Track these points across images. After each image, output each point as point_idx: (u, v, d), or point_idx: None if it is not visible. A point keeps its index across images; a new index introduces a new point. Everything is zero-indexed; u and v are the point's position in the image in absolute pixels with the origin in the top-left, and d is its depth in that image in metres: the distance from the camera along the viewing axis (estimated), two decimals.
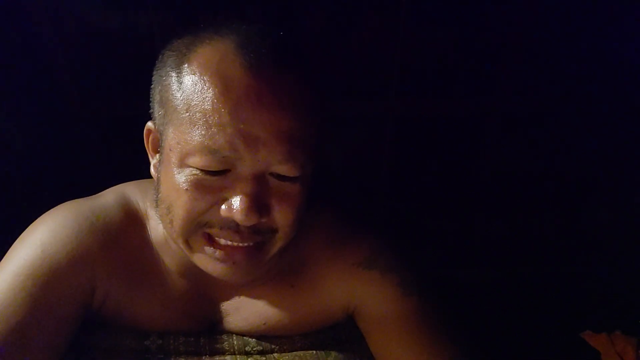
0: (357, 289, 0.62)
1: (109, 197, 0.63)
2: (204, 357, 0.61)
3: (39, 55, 1.08)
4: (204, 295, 0.64)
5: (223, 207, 0.49)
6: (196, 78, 0.48)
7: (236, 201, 0.49)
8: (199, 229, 0.52)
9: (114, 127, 1.18)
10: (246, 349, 0.62)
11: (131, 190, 0.65)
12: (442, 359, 0.55)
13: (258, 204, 0.49)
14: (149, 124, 0.57)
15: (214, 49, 0.49)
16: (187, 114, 0.48)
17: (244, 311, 0.63)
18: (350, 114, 1.23)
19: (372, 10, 1.11)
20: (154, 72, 0.54)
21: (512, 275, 1.44)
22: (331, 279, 0.63)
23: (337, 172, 1.30)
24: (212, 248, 0.53)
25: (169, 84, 0.51)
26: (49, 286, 0.54)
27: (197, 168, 0.49)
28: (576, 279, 1.36)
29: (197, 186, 0.49)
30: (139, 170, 0.66)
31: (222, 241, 0.52)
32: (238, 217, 0.48)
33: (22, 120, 1.10)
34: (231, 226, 0.51)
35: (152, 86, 0.54)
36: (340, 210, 0.69)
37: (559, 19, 1.15)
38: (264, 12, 1.07)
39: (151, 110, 0.55)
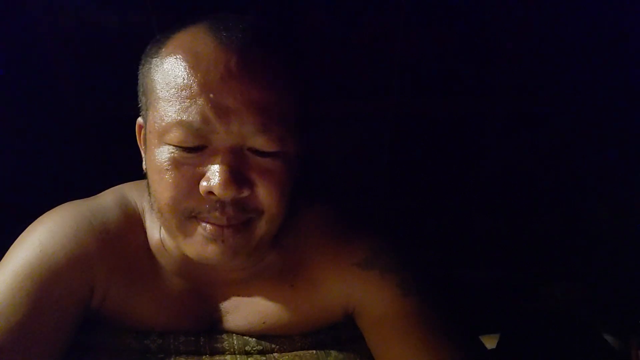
0: (357, 289, 0.62)
1: (107, 198, 0.63)
2: (204, 357, 0.60)
3: (38, 55, 1.08)
4: (204, 294, 0.64)
5: (202, 183, 0.49)
6: (170, 58, 0.50)
7: (213, 173, 0.49)
8: (189, 214, 0.52)
9: (114, 127, 1.17)
10: (246, 348, 0.62)
11: (129, 191, 0.65)
12: (441, 359, 0.55)
13: (236, 176, 0.49)
14: (139, 119, 0.57)
15: (188, 32, 0.51)
16: (162, 92, 0.49)
17: (244, 310, 0.63)
18: (350, 114, 1.23)
19: (373, 10, 1.11)
20: (139, 68, 0.56)
21: (512, 275, 1.44)
22: (331, 279, 0.63)
23: (337, 172, 1.30)
24: (202, 225, 0.52)
25: (148, 70, 0.53)
26: (48, 286, 0.54)
27: (174, 145, 0.49)
28: (576, 279, 1.36)
29: (177, 164, 0.50)
30: (138, 170, 0.66)
31: (209, 219, 0.52)
32: (216, 189, 0.48)
33: (22, 121, 1.10)
34: (216, 207, 0.50)
35: (138, 79, 0.56)
36: (340, 210, 0.69)
37: (559, 19, 1.15)
38: (264, 12, 1.07)
39: (139, 105, 0.56)
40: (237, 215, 0.51)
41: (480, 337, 0.72)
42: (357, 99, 1.22)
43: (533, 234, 1.44)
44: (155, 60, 0.52)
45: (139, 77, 0.55)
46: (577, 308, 1.16)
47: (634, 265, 1.26)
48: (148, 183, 0.55)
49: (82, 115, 1.16)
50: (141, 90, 0.55)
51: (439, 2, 1.12)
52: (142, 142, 0.58)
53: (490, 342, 1.02)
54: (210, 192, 0.49)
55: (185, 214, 0.52)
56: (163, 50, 0.51)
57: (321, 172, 1.23)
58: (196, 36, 0.50)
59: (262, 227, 0.54)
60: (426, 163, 1.34)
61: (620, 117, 1.26)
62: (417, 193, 1.38)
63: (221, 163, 0.49)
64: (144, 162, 0.57)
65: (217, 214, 0.51)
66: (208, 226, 0.52)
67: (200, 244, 0.53)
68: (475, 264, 1.44)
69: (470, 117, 1.28)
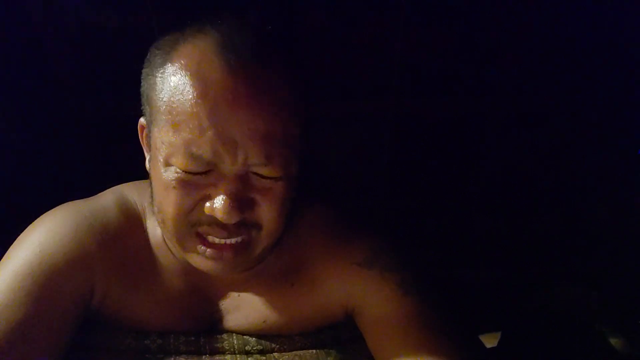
0: (357, 289, 0.62)
1: (107, 198, 0.64)
2: (204, 357, 0.61)
3: (38, 55, 1.08)
4: (204, 294, 0.64)
5: (207, 204, 0.50)
6: (177, 80, 0.49)
7: (218, 200, 0.49)
8: (191, 228, 0.53)
9: (114, 127, 1.17)
10: (246, 348, 0.62)
11: (129, 191, 0.65)
12: (441, 359, 0.55)
13: (239, 202, 0.50)
14: (142, 119, 0.57)
15: (195, 49, 0.49)
16: (169, 116, 0.49)
17: (244, 309, 0.63)
18: (350, 114, 1.23)
19: (373, 10, 1.11)
20: (143, 69, 0.55)
21: (512, 275, 1.44)
22: (331, 278, 0.63)
23: (337, 172, 1.30)
24: (203, 247, 0.53)
25: (153, 84, 0.51)
26: (47, 286, 0.54)
27: (179, 168, 0.50)
28: (576, 279, 1.36)
29: (183, 184, 0.50)
30: (138, 170, 0.66)
31: (210, 238, 0.53)
32: (220, 215, 0.49)
33: (22, 121, 1.10)
34: (218, 222, 0.51)
35: (142, 82, 0.55)
36: (340, 209, 0.69)
37: (559, 19, 1.15)
38: (264, 12, 1.07)
39: (142, 107, 0.56)
40: (237, 232, 0.52)
41: (479, 336, 0.72)
42: (357, 99, 1.22)
43: (533, 234, 1.43)
44: (161, 76, 0.50)
45: (142, 79, 0.55)
46: (578, 308, 1.16)
47: (634, 265, 1.26)
48: (151, 187, 0.56)
49: (82, 115, 1.16)
50: (144, 97, 0.54)
51: (439, 2, 1.12)
52: (144, 141, 0.58)
53: (489, 341, 1.02)
54: (215, 216, 0.50)
55: (187, 227, 0.53)
56: (169, 65, 0.50)
57: (321, 172, 1.22)
58: (203, 57, 0.48)
59: (261, 242, 0.55)
60: (426, 163, 1.34)
61: (620, 117, 1.26)
62: (417, 193, 1.38)
63: (225, 191, 0.49)
64: (146, 161, 0.57)
65: (218, 229, 0.52)
66: (208, 250, 0.53)
67: (200, 260, 0.54)
68: (475, 264, 1.44)
69: (470, 117, 1.28)
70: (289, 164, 0.52)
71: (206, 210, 0.50)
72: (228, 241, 0.53)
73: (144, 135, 0.57)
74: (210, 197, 0.50)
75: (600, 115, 1.26)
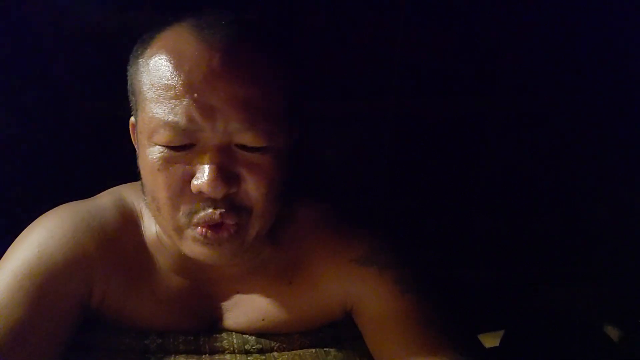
0: (355, 286, 0.62)
1: (105, 199, 0.64)
2: (203, 356, 0.61)
3: (38, 55, 1.08)
4: (202, 293, 0.64)
5: (193, 181, 0.50)
6: (155, 59, 0.50)
7: (202, 173, 0.49)
8: (186, 217, 0.52)
9: (114, 127, 1.17)
10: (246, 347, 0.62)
11: (127, 192, 0.66)
12: (439, 357, 0.55)
13: (224, 173, 0.49)
14: (132, 119, 0.58)
15: (172, 31, 0.52)
16: (149, 93, 0.50)
17: (243, 307, 0.63)
18: (350, 114, 1.23)
19: (373, 10, 1.11)
20: (127, 68, 0.56)
21: (512, 275, 1.44)
22: (329, 276, 0.63)
23: (337, 171, 1.30)
24: (198, 233, 0.52)
25: (135, 71, 0.53)
26: (46, 286, 0.54)
27: (163, 145, 0.50)
28: (576, 279, 1.36)
29: (167, 164, 0.50)
30: (137, 171, 0.66)
31: (203, 218, 0.52)
32: (205, 188, 0.49)
33: (21, 121, 1.10)
34: (209, 204, 0.51)
35: (127, 81, 0.56)
36: (339, 207, 0.69)
37: (559, 19, 1.15)
38: (263, 12, 1.07)
39: (130, 105, 0.57)
40: (229, 214, 0.52)
41: (478, 335, 0.72)
42: (357, 99, 1.22)
43: (533, 234, 1.43)
44: (141, 61, 0.52)
45: (127, 77, 0.56)
46: (578, 308, 1.16)
47: (634, 264, 1.26)
48: (142, 182, 0.56)
49: (81, 115, 1.16)
50: (130, 90, 0.55)
51: (439, 2, 1.12)
52: (135, 141, 0.58)
53: (488, 341, 1.02)
54: (201, 191, 0.50)
55: (183, 216, 0.52)
56: (148, 50, 0.52)
57: (321, 172, 1.22)
58: (179, 35, 0.51)
59: (253, 225, 0.54)
60: (426, 163, 1.34)
61: (620, 117, 1.26)
62: (416, 193, 1.38)
63: (209, 162, 0.49)
64: (138, 161, 0.58)
65: (210, 210, 0.51)
66: (204, 230, 0.52)
67: (197, 246, 0.54)
68: (475, 264, 1.44)
69: (470, 117, 1.28)
70: (274, 135, 0.51)
71: (192, 188, 0.50)
72: (220, 220, 0.52)
73: (134, 134, 0.58)
74: (195, 175, 0.50)
75: (600, 115, 1.26)
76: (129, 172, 0.67)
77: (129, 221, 0.62)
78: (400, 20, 1.11)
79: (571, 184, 1.37)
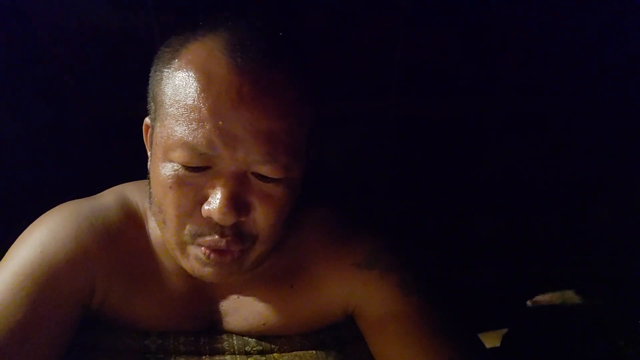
0: (357, 289, 0.62)
1: (108, 198, 0.63)
2: (203, 357, 0.61)
3: (38, 55, 1.08)
4: (204, 295, 0.64)
5: (204, 206, 0.50)
6: (182, 74, 0.49)
7: (214, 199, 0.49)
8: (191, 237, 0.52)
9: (114, 127, 1.18)
10: (246, 348, 0.62)
11: (130, 191, 0.65)
12: (441, 359, 0.55)
13: (236, 202, 0.49)
14: (147, 119, 0.57)
15: (203, 46, 0.49)
16: (171, 108, 0.49)
17: (244, 311, 0.63)
18: (350, 114, 1.23)
19: (372, 10, 1.11)
20: (151, 67, 0.55)
21: (512, 275, 1.44)
22: (331, 279, 0.63)
23: (337, 172, 1.30)
24: (202, 254, 0.53)
25: (159, 80, 0.52)
26: (48, 286, 0.54)
27: (178, 163, 0.49)
28: (576, 279, 1.36)
29: (180, 183, 0.50)
30: (138, 170, 0.66)
31: (208, 242, 0.52)
32: (216, 215, 0.48)
33: (22, 121, 1.10)
34: (217, 230, 0.51)
35: (149, 81, 0.55)
36: (340, 210, 0.69)
37: (559, 19, 1.15)
38: (264, 12, 1.07)
39: (148, 105, 0.56)
40: (234, 241, 0.51)
41: (480, 334, 0.72)
42: (357, 99, 1.22)
43: (533, 234, 1.44)
44: (167, 72, 0.51)
45: (149, 78, 0.55)
46: (578, 308, 1.16)
47: (634, 264, 1.26)
48: (150, 187, 0.55)
49: (82, 115, 1.16)
50: (151, 95, 0.54)
51: (439, 2, 1.12)
52: (148, 142, 0.58)
53: (489, 340, 1.02)
54: (211, 217, 0.49)
55: (188, 236, 0.52)
56: (176, 62, 0.50)
57: (321, 172, 1.22)
58: (210, 53, 0.48)
59: (256, 250, 0.55)
60: (426, 163, 1.34)
61: (620, 117, 1.26)
62: (417, 193, 1.38)
63: (222, 188, 0.49)
64: (149, 162, 0.57)
65: (217, 236, 0.51)
66: (207, 252, 0.52)
67: (197, 265, 0.54)
68: (475, 264, 1.44)
69: (470, 117, 1.28)
70: (291, 168, 0.51)
71: (203, 213, 0.50)
72: (226, 247, 0.52)
73: (148, 135, 0.57)
74: (206, 199, 0.50)
75: (600, 115, 1.26)
76: (129, 171, 0.68)
77: (132, 221, 0.62)
78: (400, 20, 1.11)
79: (571, 185, 1.37)
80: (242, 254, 0.54)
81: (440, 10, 1.13)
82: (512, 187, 1.37)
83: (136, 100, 0.59)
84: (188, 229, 0.52)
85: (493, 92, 1.24)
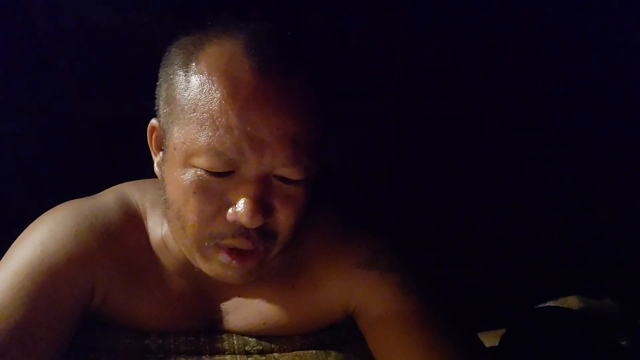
0: (357, 289, 0.62)
1: (108, 197, 0.63)
2: (204, 357, 0.61)
3: (38, 55, 1.08)
4: (204, 295, 0.64)
5: (229, 211, 0.50)
6: (204, 78, 0.48)
7: (241, 204, 0.49)
8: (212, 240, 0.52)
9: (114, 127, 1.18)
10: (246, 348, 0.62)
11: (130, 190, 0.65)
12: (442, 359, 0.55)
13: (262, 205, 0.50)
14: (153, 121, 0.57)
15: (223, 49, 0.49)
16: (194, 114, 0.48)
17: (244, 311, 0.63)
18: (350, 114, 1.23)
19: (373, 10, 1.11)
20: (160, 69, 0.54)
21: (512, 275, 1.44)
22: (331, 279, 0.63)
23: (337, 172, 1.30)
24: (227, 257, 0.53)
25: (176, 82, 0.50)
26: (48, 286, 0.54)
27: (201, 168, 0.49)
28: (576, 279, 1.36)
29: (203, 188, 0.49)
30: (138, 170, 0.66)
31: (232, 243, 0.52)
32: (244, 219, 0.49)
33: (22, 121, 1.10)
34: (242, 232, 0.51)
35: (158, 83, 0.54)
36: (340, 210, 0.69)
37: (559, 19, 1.15)
38: (264, 12, 1.07)
39: (156, 108, 0.55)
40: (259, 241, 0.52)
41: (479, 333, 0.72)
42: (357, 99, 1.22)
43: (533, 234, 1.44)
44: (185, 74, 0.50)
45: (159, 79, 0.54)
46: (578, 308, 1.16)
47: (634, 265, 1.26)
48: (165, 191, 0.54)
49: (82, 115, 1.16)
50: (163, 96, 0.53)
51: (439, 2, 1.12)
52: (153, 144, 0.57)
53: (488, 340, 1.02)
54: (237, 221, 0.50)
55: (210, 239, 0.52)
56: (194, 64, 0.49)
57: (321, 172, 1.22)
58: (232, 58, 0.48)
59: (274, 250, 0.55)
60: (426, 163, 1.34)
61: (620, 117, 1.26)
62: (417, 193, 1.38)
63: (248, 192, 0.49)
64: (155, 165, 0.57)
65: (242, 239, 0.51)
66: (233, 260, 0.53)
67: (220, 269, 0.54)
68: (475, 264, 1.44)
69: (470, 117, 1.28)
70: (310, 169, 0.51)
71: (228, 217, 0.50)
72: (252, 247, 0.52)
73: (153, 137, 0.57)
74: (231, 204, 0.50)
75: (600, 115, 1.26)
76: (129, 171, 0.68)
77: (132, 221, 0.62)
78: (400, 20, 1.11)
79: (571, 185, 1.37)
80: (266, 253, 0.55)
81: (440, 10, 1.13)
82: (512, 187, 1.37)
83: (136, 100, 0.59)
84: (210, 233, 0.52)
85: (493, 92, 1.24)
